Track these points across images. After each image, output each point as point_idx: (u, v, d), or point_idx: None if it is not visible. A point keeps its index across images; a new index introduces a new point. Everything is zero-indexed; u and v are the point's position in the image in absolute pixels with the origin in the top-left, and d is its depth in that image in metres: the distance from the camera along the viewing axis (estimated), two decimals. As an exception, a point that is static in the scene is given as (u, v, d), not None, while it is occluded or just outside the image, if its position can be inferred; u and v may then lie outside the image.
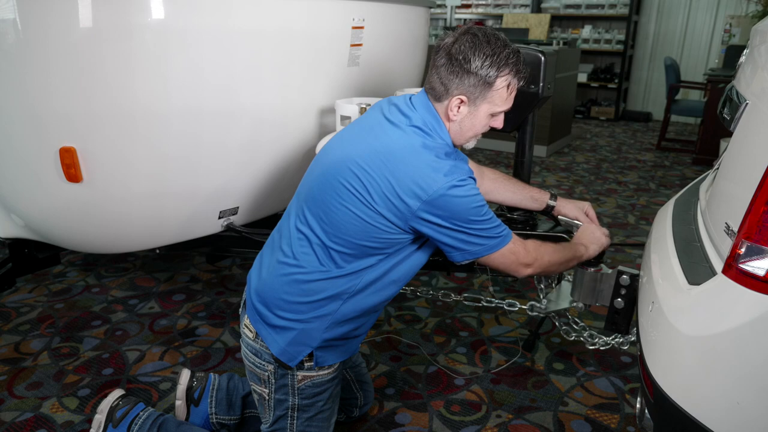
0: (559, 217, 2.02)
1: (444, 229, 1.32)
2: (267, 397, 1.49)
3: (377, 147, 1.32)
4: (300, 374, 1.45)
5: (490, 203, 2.14)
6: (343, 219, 1.33)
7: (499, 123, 1.43)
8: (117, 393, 1.65)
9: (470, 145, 1.47)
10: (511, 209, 2.11)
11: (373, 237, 1.34)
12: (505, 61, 1.33)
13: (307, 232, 1.39)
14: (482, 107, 1.37)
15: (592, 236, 1.67)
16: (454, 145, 1.45)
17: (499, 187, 1.82)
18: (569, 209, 1.81)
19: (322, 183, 1.37)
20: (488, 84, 1.33)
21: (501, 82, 1.34)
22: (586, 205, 1.82)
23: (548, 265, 1.50)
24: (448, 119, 1.39)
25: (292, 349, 1.42)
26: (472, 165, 1.70)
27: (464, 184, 1.30)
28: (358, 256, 1.37)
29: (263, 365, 1.45)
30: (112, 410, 1.61)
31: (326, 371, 1.48)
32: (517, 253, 1.42)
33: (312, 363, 1.44)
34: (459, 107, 1.36)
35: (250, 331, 1.46)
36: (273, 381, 1.46)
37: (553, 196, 1.84)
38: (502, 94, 1.36)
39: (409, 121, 1.36)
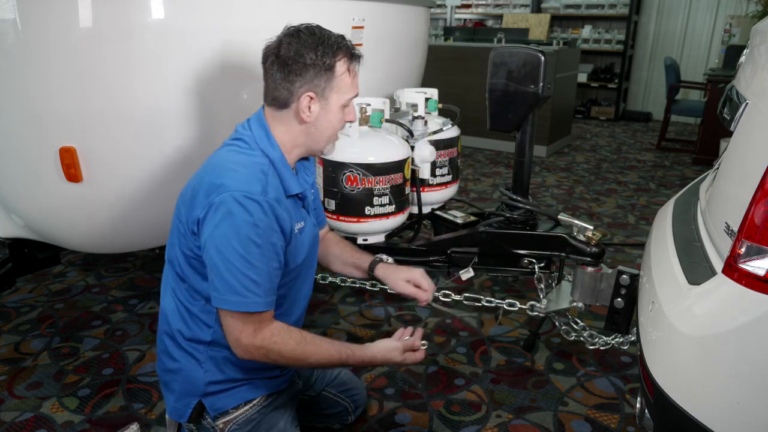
0: (559, 217, 2.02)
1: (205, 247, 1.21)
2: None
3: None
4: (219, 422, 1.37)
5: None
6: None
7: (352, 116, 1.38)
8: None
9: (329, 150, 1.40)
10: (512, 208, 2.11)
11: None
12: (336, 45, 1.29)
13: None
14: (332, 99, 1.31)
15: (383, 357, 1.40)
16: (313, 154, 1.41)
17: (328, 246, 1.67)
18: (391, 279, 1.58)
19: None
20: (329, 70, 1.28)
21: (341, 67, 1.30)
22: (417, 274, 1.58)
23: (279, 359, 1.27)
24: (302, 122, 1.31)
25: (180, 403, 1.36)
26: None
27: (248, 203, 1.17)
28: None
29: (186, 426, 1.40)
30: None
31: (246, 407, 1.38)
32: (246, 330, 1.21)
33: (211, 414, 1.36)
34: (310, 106, 1.29)
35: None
36: None
37: (377, 261, 1.61)
38: (345, 80, 1.32)
39: (240, 141, 1.31)
